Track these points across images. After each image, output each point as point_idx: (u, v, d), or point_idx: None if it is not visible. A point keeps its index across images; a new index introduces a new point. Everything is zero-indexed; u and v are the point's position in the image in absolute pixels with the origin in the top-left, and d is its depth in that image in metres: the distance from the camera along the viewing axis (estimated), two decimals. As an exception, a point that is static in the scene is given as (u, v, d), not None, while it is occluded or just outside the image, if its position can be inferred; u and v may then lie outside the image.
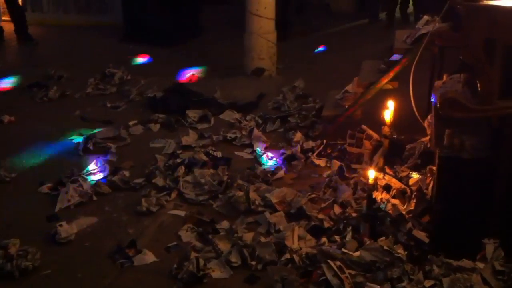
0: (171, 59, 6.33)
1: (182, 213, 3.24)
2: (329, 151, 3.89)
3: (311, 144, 4.00)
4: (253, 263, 2.74)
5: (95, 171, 3.70)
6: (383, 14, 8.13)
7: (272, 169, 3.70)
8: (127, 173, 3.62)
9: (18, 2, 7.14)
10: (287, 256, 2.74)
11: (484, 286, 2.33)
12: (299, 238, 2.88)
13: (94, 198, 3.40)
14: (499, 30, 2.46)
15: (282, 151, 3.97)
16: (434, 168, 2.84)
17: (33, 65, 6.07)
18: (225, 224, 3.08)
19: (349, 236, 2.81)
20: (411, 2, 8.12)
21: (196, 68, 5.91)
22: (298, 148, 3.95)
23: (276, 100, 4.97)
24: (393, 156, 3.59)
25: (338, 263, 2.52)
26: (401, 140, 3.70)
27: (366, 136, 3.75)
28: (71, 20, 7.77)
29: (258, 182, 3.49)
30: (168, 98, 4.86)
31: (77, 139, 4.15)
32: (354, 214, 3.03)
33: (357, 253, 2.61)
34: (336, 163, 3.67)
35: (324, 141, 3.96)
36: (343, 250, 2.66)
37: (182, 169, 3.60)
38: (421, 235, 2.73)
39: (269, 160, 3.87)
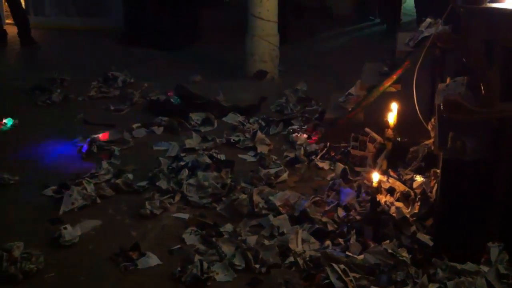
0: (172, 62, 6.34)
1: (185, 216, 3.24)
2: (332, 154, 3.89)
3: (314, 147, 4.00)
4: (257, 266, 2.73)
5: (98, 174, 3.70)
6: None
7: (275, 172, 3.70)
8: (130, 176, 3.62)
9: (21, 6, 7.16)
10: (291, 259, 2.74)
11: (488, 289, 2.33)
12: (303, 241, 2.88)
13: (98, 201, 3.40)
14: (499, 32, 2.46)
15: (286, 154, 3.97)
16: (438, 171, 2.84)
17: (36, 69, 6.08)
18: (228, 227, 3.08)
19: (353, 239, 2.81)
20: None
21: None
22: (301, 151, 3.95)
23: (279, 102, 4.97)
24: (397, 159, 3.59)
25: (342, 266, 2.52)
26: (404, 143, 3.70)
27: (369, 139, 3.75)
28: (73, 23, 7.79)
29: (261, 185, 3.49)
30: (171, 101, 4.86)
31: (81, 142, 4.14)
32: (358, 217, 3.03)
33: (361, 256, 2.61)
34: (340, 166, 3.67)
35: (328, 144, 3.97)
36: (347, 253, 2.66)
37: (185, 172, 3.60)
38: (425, 238, 2.73)
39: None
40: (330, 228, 2.99)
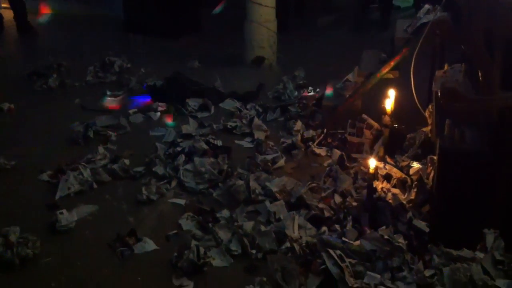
0: (171, 49, 6.30)
1: (182, 201, 3.25)
2: (329, 141, 3.89)
3: (311, 133, 4.00)
4: (253, 251, 2.74)
5: (95, 159, 3.69)
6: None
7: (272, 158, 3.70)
8: (127, 162, 3.61)
9: None
10: (287, 245, 2.75)
11: (484, 276, 2.33)
12: (299, 227, 2.88)
13: (95, 186, 3.40)
14: (498, 21, 2.45)
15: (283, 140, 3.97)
16: (435, 158, 2.84)
17: (33, 54, 6.04)
18: (225, 213, 3.08)
19: (349, 226, 2.82)
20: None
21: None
22: (299, 137, 3.94)
23: (276, 89, 4.96)
24: (394, 145, 3.59)
25: (338, 252, 2.52)
26: (401, 130, 3.69)
27: (366, 126, 3.74)
28: (72, 9, 7.71)
29: (258, 171, 3.49)
30: (168, 87, 4.84)
31: (77, 127, 4.13)
32: (354, 204, 3.03)
33: (357, 242, 2.62)
34: (337, 153, 3.67)
35: (325, 131, 3.96)
36: (343, 239, 2.66)
37: (182, 158, 3.60)
38: (421, 224, 2.74)
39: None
40: (326, 214, 3.00)
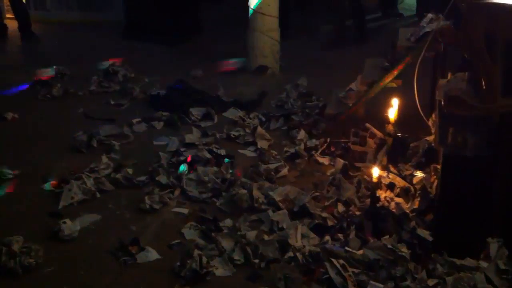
0: (173, 57, 6.32)
1: (185, 210, 3.25)
2: (332, 149, 3.88)
3: (314, 142, 4.00)
4: (256, 261, 2.74)
5: (98, 168, 3.70)
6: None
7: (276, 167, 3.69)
8: (130, 171, 3.62)
9: (21, 0, 7.14)
10: (290, 254, 2.74)
11: (487, 285, 2.32)
12: (302, 236, 2.87)
13: (98, 195, 3.40)
14: (501, 27, 2.46)
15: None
16: (438, 166, 2.84)
17: (37, 63, 6.07)
18: (228, 222, 3.08)
19: (352, 235, 2.81)
20: None
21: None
22: (302, 146, 3.94)
23: (279, 98, 4.96)
24: (397, 154, 3.58)
25: (341, 261, 2.52)
26: (405, 138, 3.68)
27: (369, 134, 3.74)
28: (74, 17, 7.76)
29: (261, 180, 3.49)
30: (171, 96, 4.85)
31: (80, 137, 4.14)
32: (357, 213, 3.03)
33: (361, 252, 2.61)
34: (340, 161, 3.67)
35: (328, 139, 3.96)
36: (346, 248, 2.65)
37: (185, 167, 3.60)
38: (424, 233, 2.73)
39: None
40: (329, 223, 2.99)
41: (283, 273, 2.56)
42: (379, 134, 3.74)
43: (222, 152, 3.87)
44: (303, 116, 4.51)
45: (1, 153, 3.97)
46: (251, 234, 2.88)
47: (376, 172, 2.88)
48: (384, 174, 3.28)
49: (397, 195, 3.18)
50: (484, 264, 2.42)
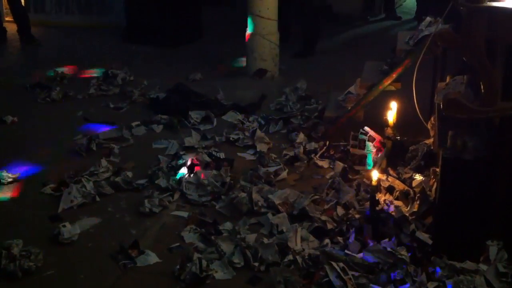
0: (172, 60, 6.33)
1: (184, 214, 3.25)
2: (332, 153, 3.89)
3: (314, 145, 4.00)
4: (256, 264, 2.74)
5: (97, 172, 3.70)
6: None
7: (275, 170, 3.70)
8: (130, 174, 3.62)
9: (20, 3, 7.15)
10: (290, 257, 2.74)
11: (487, 288, 2.33)
12: (302, 239, 2.88)
13: (97, 198, 3.40)
14: (500, 31, 2.46)
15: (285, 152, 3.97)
16: (437, 169, 2.84)
17: (36, 66, 6.08)
18: (227, 225, 3.08)
19: (352, 238, 2.81)
20: None
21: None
22: (301, 149, 3.95)
23: (279, 101, 4.97)
24: (396, 157, 3.59)
25: (341, 264, 2.52)
26: (404, 142, 3.69)
27: (369, 138, 3.74)
28: (74, 21, 7.77)
29: (261, 183, 3.49)
30: (170, 99, 4.86)
31: (80, 140, 4.14)
32: (357, 216, 3.03)
33: (360, 255, 2.62)
34: (339, 165, 3.67)
35: (327, 143, 3.96)
36: (346, 251, 2.66)
37: (185, 170, 3.60)
38: (424, 236, 2.73)
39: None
40: (329, 226, 2.99)
41: (282, 276, 2.56)
42: (378, 137, 3.74)
43: (222, 155, 3.87)
44: (302, 119, 4.52)
45: (0, 157, 3.97)
46: (251, 237, 2.88)
47: (375, 175, 2.89)
48: (384, 177, 3.29)
49: (397, 198, 3.19)
50: (484, 267, 2.43)
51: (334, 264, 2.51)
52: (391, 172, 3.41)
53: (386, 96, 3.97)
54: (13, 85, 5.43)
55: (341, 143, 3.92)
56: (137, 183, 3.55)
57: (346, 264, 2.54)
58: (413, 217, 2.94)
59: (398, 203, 3.13)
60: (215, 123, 4.56)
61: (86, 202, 3.36)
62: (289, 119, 4.53)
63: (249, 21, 5.59)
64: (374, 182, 2.88)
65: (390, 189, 3.24)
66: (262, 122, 4.52)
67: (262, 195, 3.30)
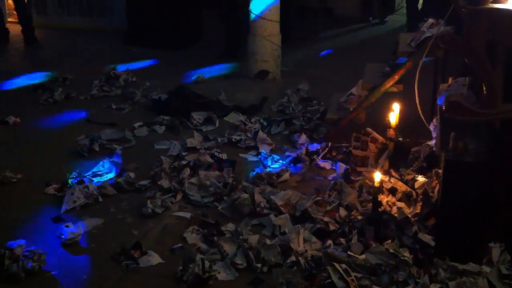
0: (174, 62, 6.34)
1: (187, 215, 3.25)
2: (334, 154, 3.89)
3: (316, 146, 4.01)
4: (258, 265, 2.74)
5: (101, 173, 3.71)
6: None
7: (277, 171, 3.70)
8: (132, 175, 3.63)
9: (26, 4, 7.16)
10: (292, 258, 2.75)
11: (490, 290, 2.33)
12: (304, 240, 2.88)
13: (100, 199, 3.41)
14: (502, 33, 2.46)
15: (288, 153, 3.99)
16: (440, 171, 2.84)
17: (38, 67, 6.08)
18: (230, 226, 3.08)
19: (354, 239, 2.82)
20: None
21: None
22: (303, 150, 3.95)
23: (281, 102, 4.97)
24: (399, 159, 3.59)
25: (343, 266, 2.52)
26: (406, 143, 3.69)
27: (371, 139, 3.75)
28: (75, 23, 7.78)
29: (263, 184, 3.50)
30: (172, 100, 4.87)
31: (82, 141, 4.14)
32: (359, 217, 3.03)
33: (363, 256, 2.61)
34: (341, 166, 3.67)
35: (329, 144, 3.97)
36: (349, 253, 2.66)
37: (187, 171, 3.61)
38: (426, 238, 2.73)
39: (275, 162, 3.87)
40: (331, 227, 3.00)
41: (285, 277, 2.56)
42: (380, 138, 3.74)
43: (224, 156, 3.87)
44: (304, 121, 4.52)
45: (3, 157, 3.98)
46: (253, 239, 2.88)
47: (378, 176, 2.89)
48: (386, 178, 3.29)
49: (399, 200, 3.19)
50: (486, 269, 2.43)
51: (336, 265, 2.51)
52: (393, 173, 3.41)
53: (388, 97, 3.97)
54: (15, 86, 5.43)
55: (343, 145, 3.93)
56: (140, 184, 3.56)
57: (348, 265, 2.54)
58: (416, 218, 2.94)
59: (401, 204, 3.13)
60: (217, 124, 4.56)
61: (88, 202, 3.36)
62: (291, 121, 4.53)
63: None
64: (376, 184, 2.88)
65: (392, 191, 3.24)
66: (264, 123, 4.53)
67: (264, 196, 3.31)
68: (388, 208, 3.06)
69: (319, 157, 3.88)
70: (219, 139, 4.23)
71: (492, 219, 2.59)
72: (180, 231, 3.08)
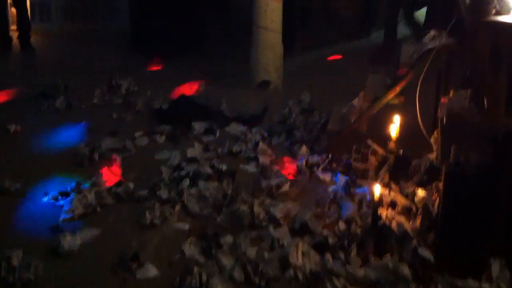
0: (176, 70, 6.34)
1: (185, 226, 3.23)
2: (334, 166, 3.87)
3: (316, 158, 3.99)
4: (256, 279, 2.71)
5: (99, 182, 3.69)
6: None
7: (277, 183, 3.68)
8: (131, 185, 3.61)
9: (27, 11, 7.20)
10: (291, 272, 2.72)
11: (489, 306, 2.30)
12: (303, 254, 2.85)
13: (98, 209, 3.39)
14: (505, 46, 2.46)
15: (288, 164, 3.97)
16: (440, 184, 2.82)
17: (39, 75, 6.10)
18: (228, 238, 3.06)
19: (353, 253, 2.79)
20: None
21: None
22: (304, 162, 3.93)
23: (282, 113, 4.97)
24: (399, 172, 3.57)
25: (342, 280, 2.49)
26: (407, 156, 3.67)
27: (371, 151, 3.73)
28: (79, 29, 7.82)
29: (262, 196, 3.47)
30: (173, 110, 4.86)
31: (82, 150, 4.14)
32: (359, 231, 3.01)
33: (362, 271, 2.59)
34: (342, 178, 3.65)
35: (330, 156, 3.95)
36: (348, 267, 2.63)
37: (187, 182, 3.59)
38: (426, 253, 2.70)
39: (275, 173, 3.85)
40: (330, 241, 2.96)
41: (283, 291, 2.54)
42: (381, 151, 3.73)
43: (224, 167, 3.86)
44: (305, 132, 4.51)
45: (2, 166, 3.97)
46: (252, 251, 2.86)
47: (377, 190, 2.87)
48: (386, 191, 3.26)
49: (399, 214, 3.16)
50: (486, 285, 2.41)
51: (335, 279, 2.49)
52: (393, 186, 3.39)
53: (390, 109, 3.95)
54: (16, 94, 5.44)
55: (343, 157, 3.91)
56: (139, 194, 3.54)
57: (347, 280, 2.52)
58: (416, 233, 2.92)
59: (401, 218, 3.10)
60: (218, 134, 4.55)
61: (87, 212, 3.34)
62: (292, 132, 4.52)
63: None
64: (376, 197, 2.86)
65: (392, 204, 3.22)
66: (265, 134, 4.52)
67: (264, 208, 3.29)
68: (388, 222, 3.04)
69: (319, 169, 3.86)
70: (220, 150, 4.21)
71: (492, 234, 2.57)
72: (178, 243, 3.05)
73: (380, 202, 3.09)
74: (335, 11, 8.26)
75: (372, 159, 3.70)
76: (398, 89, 3.97)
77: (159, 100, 5.18)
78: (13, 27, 7.60)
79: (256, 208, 3.24)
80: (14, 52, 7.06)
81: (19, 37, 7.04)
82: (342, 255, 2.81)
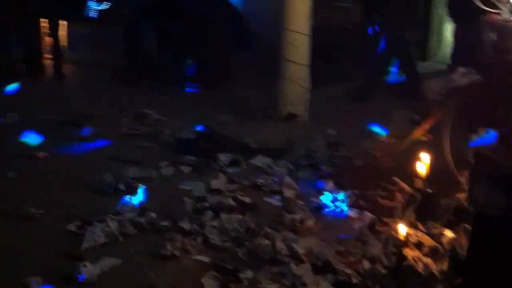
0: (203, 102, 6.39)
1: (206, 259, 3.19)
2: (360, 202, 3.81)
3: (342, 193, 3.93)
4: (276, 318, 2.65)
5: (123, 211, 3.69)
6: None
7: (301, 218, 3.62)
8: (153, 215, 3.60)
9: (59, 40, 7.40)
10: (312, 312, 2.65)
11: None
12: (325, 293, 2.78)
13: (120, 238, 3.38)
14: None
15: (312, 199, 3.91)
16: (469, 226, 2.74)
17: (69, 103, 6.20)
18: (248, 273, 3.00)
19: (377, 294, 2.71)
20: None
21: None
22: (328, 197, 3.87)
23: (308, 146, 4.93)
24: (426, 211, 3.48)
25: (364, 322, 2.42)
26: (434, 195, 3.59)
27: (398, 189, 3.66)
28: (105, 59, 7.90)
29: (285, 231, 3.42)
30: (199, 141, 4.88)
31: (108, 178, 4.15)
32: (383, 271, 2.92)
33: (385, 313, 2.51)
34: (367, 215, 3.58)
35: (355, 192, 3.89)
36: (370, 308, 2.55)
37: (209, 214, 3.57)
38: (453, 297, 2.61)
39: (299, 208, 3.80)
40: (354, 280, 2.89)
41: (303, 331, 2.47)
42: (407, 189, 3.65)
43: (247, 199, 3.82)
44: (331, 166, 4.46)
45: (28, 191, 4.01)
46: (272, 288, 2.80)
47: (403, 229, 2.80)
48: (412, 231, 3.18)
49: (425, 255, 3.07)
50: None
51: (357, 321, 2.41)
52: (420, 226, 3.31)
53: (417, 146, 3.89)
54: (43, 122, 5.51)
55: (369, 193, 3.84)
56: (160, 225, 3.52)
57: (369, 322, 2.44)
58: (442, 276, 2.82)
59: (427, 260, 3.01)
60: (243, 166, 4.53)
61: (108, 242, 3.33)
62: (317, 166, 4.47)
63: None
64: (401, 237, 2.79)
65: (418, 245, 3.13)
66: (291, 167, 4.48)
67: (286, 243, 3.23)
68: (414, 263, 2.95)
69: (345, 205, 3.80)
70: (244, 182, 4.18)
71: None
72: (197, 276, 3.01)
73: (405, 242, 3.01)
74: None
75: (399, 197, 3.63)
76: (426, 126, 3.92)
77: (185, 131, 5.20)
78: (48, 55, 7.80)
79: (278, 243, 3.19)
80: (46, 79, 7.22)
81: (54, 65, 7.22)
82: (365, 296, 2.73)
